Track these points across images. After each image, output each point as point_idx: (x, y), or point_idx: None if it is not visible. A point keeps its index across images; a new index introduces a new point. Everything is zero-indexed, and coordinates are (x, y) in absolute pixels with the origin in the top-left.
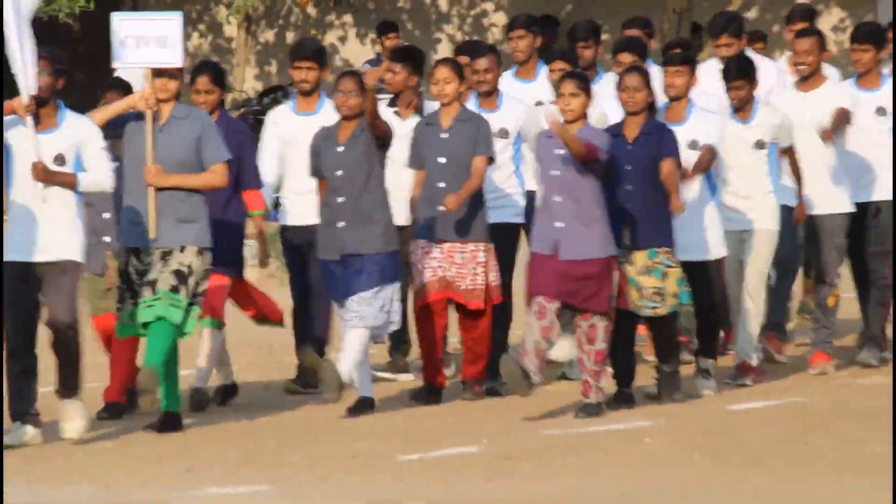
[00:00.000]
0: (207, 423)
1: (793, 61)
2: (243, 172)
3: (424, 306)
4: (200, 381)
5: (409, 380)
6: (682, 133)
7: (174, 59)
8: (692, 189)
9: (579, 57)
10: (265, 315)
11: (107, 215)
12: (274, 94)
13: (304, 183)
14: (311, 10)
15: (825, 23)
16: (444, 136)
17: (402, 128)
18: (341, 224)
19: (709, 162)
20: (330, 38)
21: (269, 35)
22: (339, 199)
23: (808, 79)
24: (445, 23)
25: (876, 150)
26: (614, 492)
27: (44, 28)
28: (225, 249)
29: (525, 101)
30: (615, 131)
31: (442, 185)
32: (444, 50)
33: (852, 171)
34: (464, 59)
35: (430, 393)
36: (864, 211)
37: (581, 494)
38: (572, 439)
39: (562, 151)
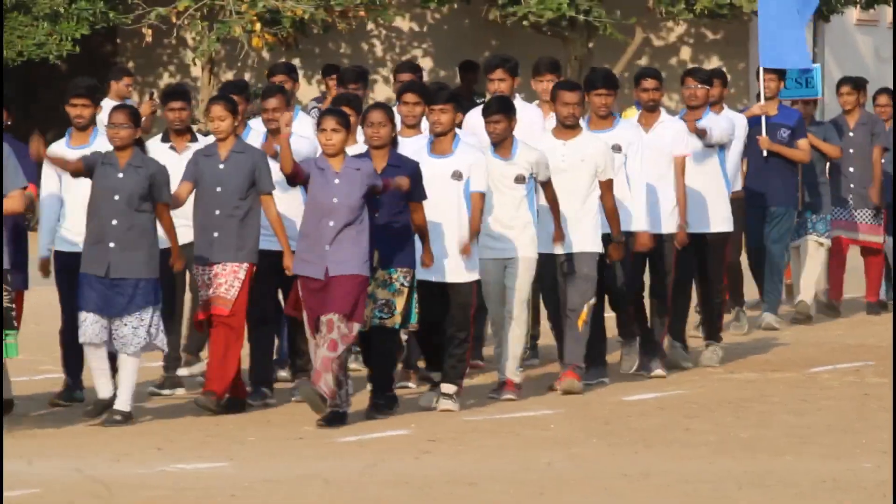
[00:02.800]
0: (174, 413)
1: (559, 112)
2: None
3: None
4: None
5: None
6: (447, 164)
7: None
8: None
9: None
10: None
11: None
12: None
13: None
14: (265, 54)
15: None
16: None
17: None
18: (112, 244)
19: (479, 211)
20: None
21: (229, 75)
22: (113, 222)
23: (571, 128)
24: (381, 66)
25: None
26: (521, 467)
27: (36, 69)
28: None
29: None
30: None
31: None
32: (380, 90)
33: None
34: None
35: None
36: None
37: (493, 469)
38: (488, 424)
39: (336, 181)
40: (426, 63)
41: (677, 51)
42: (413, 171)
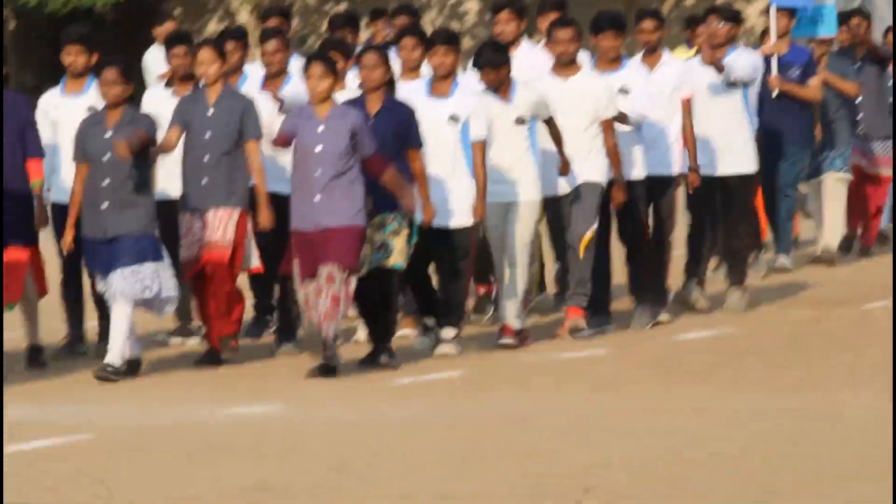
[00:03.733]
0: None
1: (553, 50)
2: (26, 142)
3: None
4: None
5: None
6: (445, 107)
7: None
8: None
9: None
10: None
11: None
12: None
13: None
14: (312, 1)
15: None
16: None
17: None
18: (104, 206)
19: (481, 161)
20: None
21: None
22: (104, 183)
23: (567, 65)
24: (426, 10)
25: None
26: (576, 406)
27: (83, 16)
28: (20, 219)
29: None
30: (357, 107)
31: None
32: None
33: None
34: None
35: (211, 356)
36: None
37: (551, 408)
38: (541, 366)
39: (321, 129)
40: (473, 5)
41: None
42: (407, 116)
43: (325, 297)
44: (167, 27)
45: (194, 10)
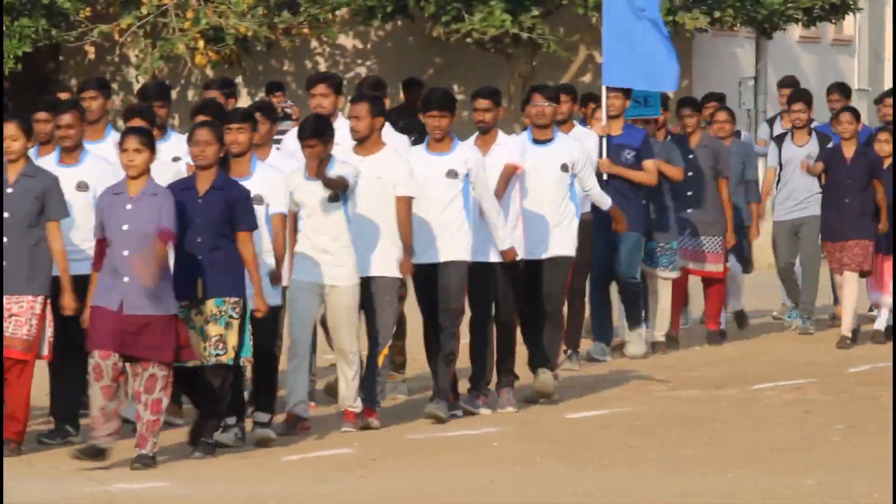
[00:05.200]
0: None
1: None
2: None
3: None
4: None
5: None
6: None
7: None
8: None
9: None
10: None
11: None
12: None
13: None
14: (209, 72)
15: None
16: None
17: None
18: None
19: (281, 235)
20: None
21: (173, 93)
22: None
23: (361, 143)
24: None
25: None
26: (465, 486)
27: None
28: None
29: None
30: (187, 185)
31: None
32: None
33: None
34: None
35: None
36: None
37: (438, 488)
38: (431, 442)
39: (129, 206)
40: None
41: None
42: (239, 196)
43: (146, 408)
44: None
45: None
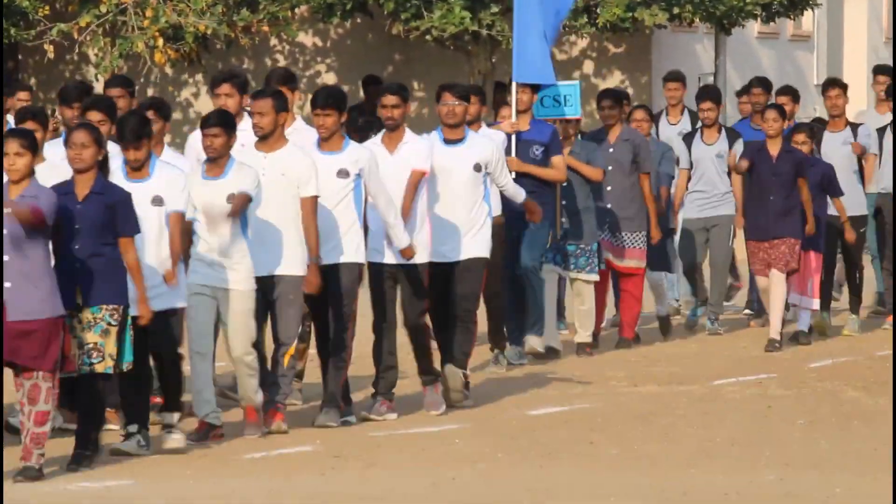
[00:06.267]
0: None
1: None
2: None
3: None
4: None
5: None
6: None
7: None
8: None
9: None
10: None
11: None
12: None
13: None
14: (168, 70)
15: (610, 83)
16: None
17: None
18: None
19: (177, 231)
20: (185, 93)
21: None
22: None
23: (264, 139)
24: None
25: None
26: (427, 483)
27: None
28: None
29: None
30: (66, 189)
31: None
32: None
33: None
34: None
35: None
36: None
37: (399, 485)
38: (393, 440)
39: (8, 210)
40: (330, 78)
41: (580, 64)
42: (119, 200)
43: (30, 419)
44: (21, 97)
45: (49, 80)
